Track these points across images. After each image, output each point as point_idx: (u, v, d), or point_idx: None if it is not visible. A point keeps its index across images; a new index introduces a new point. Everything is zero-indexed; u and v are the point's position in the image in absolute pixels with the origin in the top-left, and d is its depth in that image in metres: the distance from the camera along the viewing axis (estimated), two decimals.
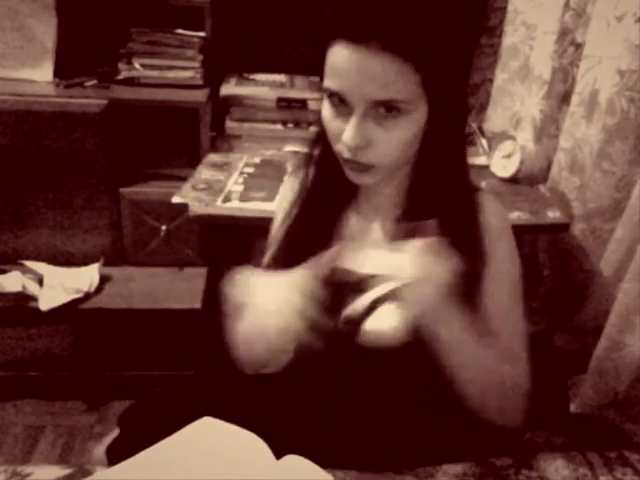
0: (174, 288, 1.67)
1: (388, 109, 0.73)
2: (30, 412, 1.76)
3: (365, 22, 0.71)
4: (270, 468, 0.77)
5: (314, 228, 0.90)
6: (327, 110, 0.79)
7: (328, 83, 0.76)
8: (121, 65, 1.64)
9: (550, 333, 1.53)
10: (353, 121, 0.74)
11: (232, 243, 1.93)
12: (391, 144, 0.76)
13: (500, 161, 1.58)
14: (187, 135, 1.68)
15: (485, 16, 0.79)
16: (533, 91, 1.56)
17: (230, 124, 1.73)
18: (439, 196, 0.83)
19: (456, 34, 0.76)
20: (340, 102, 0.76)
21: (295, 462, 0.74)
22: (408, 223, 0.76)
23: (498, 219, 0.88)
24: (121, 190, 1.66)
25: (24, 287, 1.55)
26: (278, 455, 0.78)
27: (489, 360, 0.80)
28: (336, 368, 0.92)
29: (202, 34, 1.64)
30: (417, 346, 0.82)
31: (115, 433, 0.96)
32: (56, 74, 1.64)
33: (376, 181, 0.82)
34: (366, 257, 0.71)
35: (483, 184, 1.55)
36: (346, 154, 0.77)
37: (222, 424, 0.80)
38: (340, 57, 0.73)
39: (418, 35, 0.71)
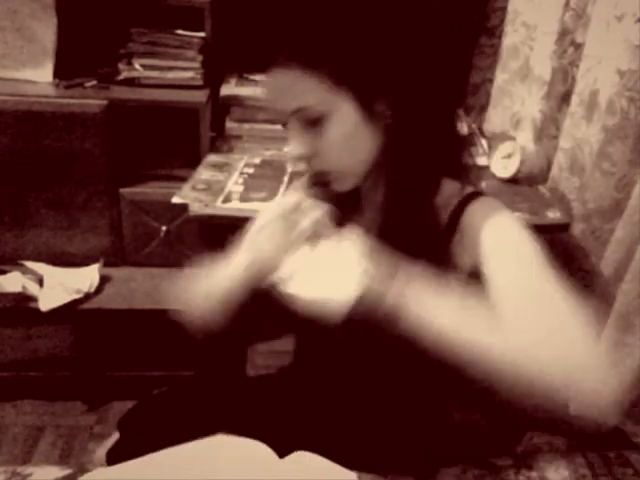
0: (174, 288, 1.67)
1: (314, 118, 0.74)
2: (30, 412, 1.76)
3: (261, 47, 0.74)
4: (274, 468, 0.77)
5: None
6: None
7: None
8: (121, 65, 1.64)
9: None
10: (290, 136, 0.78)
11: (232, 243, 1.93)
12: (328, 148, 0.75)
13: (500, 161, 1.58)
14: (187, 135, 1.68)
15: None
16: (533, 91, 1.56)
17: (230, 124, 1.72)
18: (416, 192, 0.80)
19: (346, 27, 0.70)
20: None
21: (302, 457, 0.75)
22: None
23: (478, 215, 0.76)
24: (121, 190, 1.66)
25: (24, 287, 1.55)
26: (279, 455, 0.78)
27: (498, 332, 0.64)
28: (336, 367, 0.92)
29: (202, 34, 1.64)
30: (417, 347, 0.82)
31: (116, 436, 0.96)
32: (56, 74, 1.64)
33: (350, 186, 0.80)
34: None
35: (483, 184, 1.55)
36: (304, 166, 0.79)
37: (232, 438, 0.80)
38: (263, 85, 0.77)
39: (300, 43, 0.71)
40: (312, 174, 0.80)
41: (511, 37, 1.65)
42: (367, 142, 0.77)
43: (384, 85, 0.73)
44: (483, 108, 1.84)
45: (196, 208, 1.38)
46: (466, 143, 0.96)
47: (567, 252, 1.47)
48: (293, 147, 0.77)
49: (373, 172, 0.80)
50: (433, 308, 0.66)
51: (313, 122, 0.74)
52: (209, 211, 1.38)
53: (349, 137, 0.75)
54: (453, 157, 0.83)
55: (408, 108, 0.75)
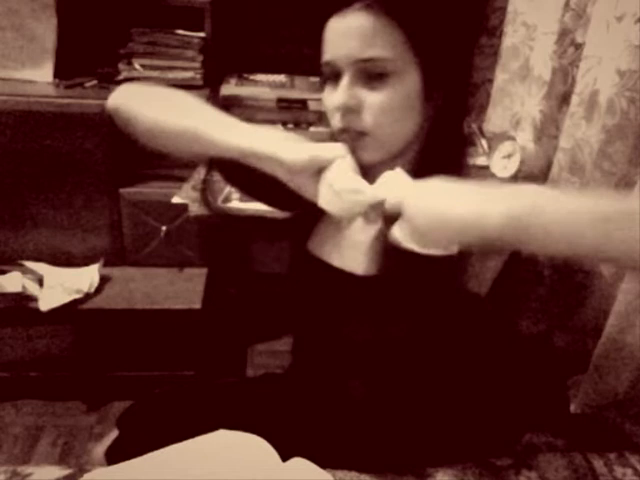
0: (174, 288, 1.67)
1: (376, 74, 0.74)
2: (30, 412, 1.76)
3: None
4: (275, 471, 0.76)
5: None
6: (325, 93, 0.80)
7: (323, 58, 0.78)
8: (121, 65, 1.64)
9: (550, 333, 1.53)
10: (342, 83, 0.75)
11: (232, 243, 1.93)
12: (380, 107, 0.75)
13: (500, 161, 1.58)
14: None
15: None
16: (533, 91, 1.56)
17: None
18: None
19: None
20: (334, 75, 0.77)
21: (300, 465, 0.74)
22: None
23: None
24: (121, 190, 1.66)
25: (24, 287, 1.55)
26: (278, 455, 0.78)
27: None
28: (335, 367, 0.92)
29: (202, 34, 1.64)
30: (421, 343, 0.82)
31: (114, 434, 0.96)
32: (56, 74, 1.64)
33: (375, 158, 0.79)
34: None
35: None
36: (339, 122, 0.77)
37: (231, 432, 0.80)
38: (329, 28, 0.76)
39: None
40: (344, 131, 0.78)
41: (511, 37, 1.65)
42: (412, 120, 0.78)
43: (448, 72, 0.76)
44: (483, 108, 1.84)
45: (196, 208, 1.38)
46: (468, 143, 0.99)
47: None
48: (340, 95, 0.75)
49: (400, 160, 0.80)
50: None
51: (373, 78, 0.74)
52: (209, 211, 1.38)
53: (401, 105, 0.76)
54: (458, 157, 0.85)
55: (454, 104, 0.79)
